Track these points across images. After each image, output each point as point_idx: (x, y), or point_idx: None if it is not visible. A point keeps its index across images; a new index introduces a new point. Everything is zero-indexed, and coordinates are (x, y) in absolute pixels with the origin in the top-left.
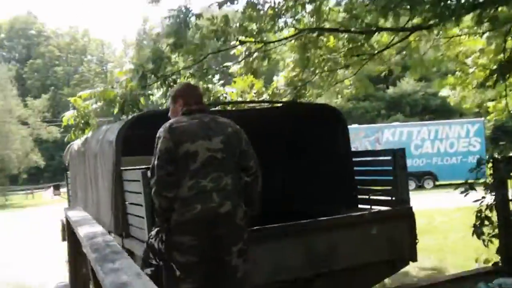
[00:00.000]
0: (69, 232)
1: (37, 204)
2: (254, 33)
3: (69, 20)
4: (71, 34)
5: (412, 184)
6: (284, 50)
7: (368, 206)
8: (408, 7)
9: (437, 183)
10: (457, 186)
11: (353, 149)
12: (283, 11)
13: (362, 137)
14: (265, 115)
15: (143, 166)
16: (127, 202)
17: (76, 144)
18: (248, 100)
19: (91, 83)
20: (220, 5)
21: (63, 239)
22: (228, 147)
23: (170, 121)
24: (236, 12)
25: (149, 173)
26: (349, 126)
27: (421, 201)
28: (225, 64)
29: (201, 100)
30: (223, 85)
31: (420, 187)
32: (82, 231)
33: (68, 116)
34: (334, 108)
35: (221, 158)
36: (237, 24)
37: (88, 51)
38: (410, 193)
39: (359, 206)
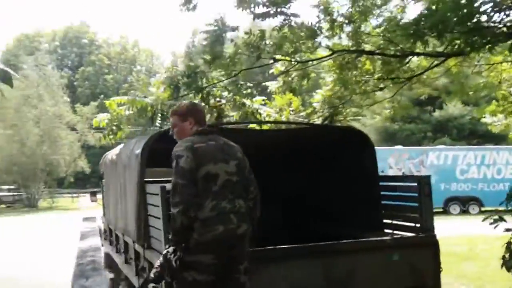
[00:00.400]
0: None
1: (80, 208)
2: (290, 51)
3: (120, 30)
4: (121, 43)
5: (456, 209)
6: (323, 69)
7: (393, 231)
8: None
9: (482, 209)
10: (487, 216)
11: (396, 171)
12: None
13: (405, 159)
14: (292, 136)
15: (164, 179)
16: (149, 214)
17: (111, 153)
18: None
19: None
20: (255, 17)
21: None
22: (240, 171)
23: (188, 140)
24: (272, 31)
25: (170, 190)
26: (393, 147)
27: (464, 227)
28: (265, 83)
29: (205, 121)
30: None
31: (464, 212)
32: (81, 244)
33: (100, 118)
34: (361, 131)
35: (235, 181)
36: (272, 42)
37: (138, 61)
38: (454, 217)
39: (385, 230)
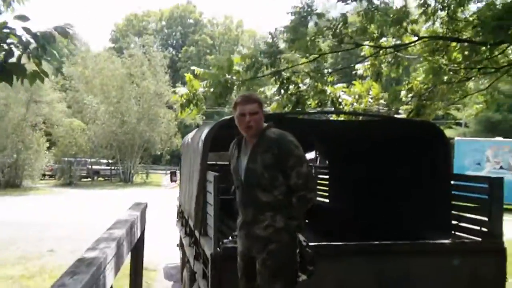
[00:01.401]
0: None
1: (169, 185)
2: (375, 36)
3: (226, 10)
4: (226, 24)
5: None
6: (410, 55)
7: (461, 234)
8: None
9: None
10: None
11: (494, 164)
12: (408, 16)
13: (506, 152)
14: (362, 127)
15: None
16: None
17: (188, 136)
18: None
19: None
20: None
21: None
22: None
23: (287, 133)
24: (357, 15)
25: (305, 176)
26: (492, 139)
27: None
28: (352, 66)
29: None
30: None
31: None
32: (104, 234)
33: (179, 93)
34: (436, 126)
35: None
36: (355, 27)
37: (240, 41)
38: None
39: (453, 232)
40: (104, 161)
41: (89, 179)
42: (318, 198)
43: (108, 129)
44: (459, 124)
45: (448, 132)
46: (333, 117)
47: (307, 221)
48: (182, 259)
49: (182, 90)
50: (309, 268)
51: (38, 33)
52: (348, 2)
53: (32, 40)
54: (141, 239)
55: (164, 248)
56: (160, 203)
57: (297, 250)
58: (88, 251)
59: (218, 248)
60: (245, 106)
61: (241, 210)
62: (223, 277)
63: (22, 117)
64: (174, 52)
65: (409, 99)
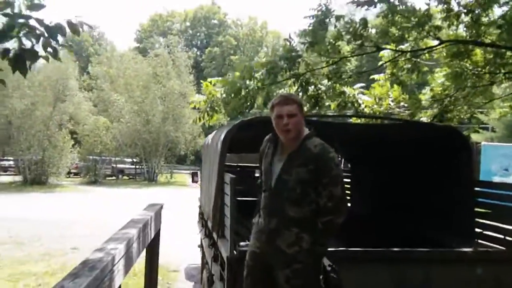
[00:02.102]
0: None
1: (192, 185)
2: (395, 39)
3: (250, 11)
4: (250, 25)
5: None
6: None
7: (485, 243)
8: None
9: None
10: None
11: None
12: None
13: None
14: (383, 131)
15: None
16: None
17: (209, 137)
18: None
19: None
20: (358, 4)
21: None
22: None
23: (329, 148)
24: (377, 17)
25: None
26: None
27: None
28: (372, 76)
29: None
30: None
31: None
32: (115, 235)
33: (196, 100)
34: (458, 131)
35: None
36: (376, 30)
37: (265, 43)
38: None
39: (477, 240)
40: (129, 160)
41: (113, 177)
42: None
43: (132, 128)
44: (486, 129)
45: (474, 137)
46: (353, 120)
47: None
48: (202, 260)
49: (200, 97)
50: None
51: (50, 24)
52: (369, 8)
53: (43, 30)
54: (156, 239)
55: (186, 248)
56: (184, 203)
57: (321, 276)
58: (95, 252)
59: (234, 251)
60: (283, 108)
61: (264, 215)
62: (238, 280)
63: (48, 116)
64: (198, 53)
65: (431, 104)
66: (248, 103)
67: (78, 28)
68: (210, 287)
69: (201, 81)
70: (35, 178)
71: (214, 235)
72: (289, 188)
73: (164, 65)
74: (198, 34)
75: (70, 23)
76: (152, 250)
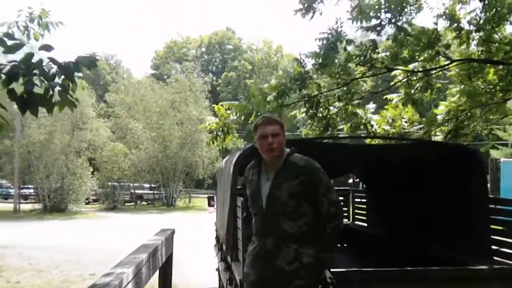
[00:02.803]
0: None
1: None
2: (407, 60)
3: (265, 35)
4: (265, 49)
5: None
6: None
7: (502, 260)
8: None
9: None
10: None
11: None
12: (440, 39)
13: None
14: (397, 151)
15: None
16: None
17: (223, 161)
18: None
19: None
20: (368, 29)
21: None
22: None
23: (313, 160)
24: (386, 40)
25: (335, 204)
26: None
27: None
28: (386, 96)
29: None
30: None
31: None
32: (125, 259)
33: (209, 121)
34: (470, 149)
35: None
36: (385, 53)
37: (280, 66)
38: None
39: (494, 258)
40: (147, 185)
41: (132, 203)
42: (357, 222)
43: (150, 153)
44: (505, 145)
45: (493, 153)
46: (368, 141)
47: (345, 245)
48: (219, 283)
49: (212, 119)
50: None
51: (63, 63)
52: (379, 34)
53: (55, 69)
54: (168, 263)
55: (205, 272)
56: (202, 227)
57: (320, 286)
58: (103, 277)
59: None
60: (266, 127)
61: (258, 239)
62: None
63: (66, 144)
64: (214, 78)
65: (446, 120)
66: None
67: (90, 63)
68: None
69: (213, 105)
70: (54, 206)
71: (228, 259)
72: (282, 204)
73: (182, 91)
74: (213, 59)
75: (81, 59)
76: (165, 273)
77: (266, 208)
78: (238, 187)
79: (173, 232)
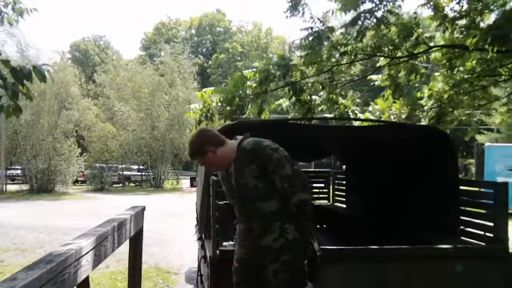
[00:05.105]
0: None
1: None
2: (389, 50)
3: (255, 17)
4: (255, 32)
5: None
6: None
7: (468, 239)
8: None
9: None
10: None
11: None
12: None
13: None
14: (372, 133)
15: None
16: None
17: None
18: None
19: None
20: (352, 24)
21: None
22: None
23: (261, 139)
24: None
25: (288, 178)
26: None
27: None
28: (370, 77)
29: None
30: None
31: None
32: (88, 231)
33: (192, 109)
34: (442, 131)
35: None
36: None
37: (270, 48)
38: None
39: (462, 238)
40: (135, 167)
41: (120, 184)
42: (337, 204)
43: (138, 135)
44: (491, 130)
45: (478, 138)
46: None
47: (325, 226)
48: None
49: (193, 106)
50: (316, 276)
51: (18, 67)
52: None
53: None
54: (137, 239)
55: (188, 252)
56: (188, 208)
57: (306, 261)
58: (60, 247)
59: (217, 251)
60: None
61: (245, 223)
62: (221, 279)
63: (53, 125)
64: (204, 60)
65: (430, 106)
66: (241, 112)
67: (43, 74)
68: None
69: (204, 88)
70: (41, 187)
71: (202, 236)
72: (252, 189)
73: (170, 73)
74: (203, 41)
75: (36, 67)
76: (135, 249)
77: (240, 197)
78: None
79: (143, 208)
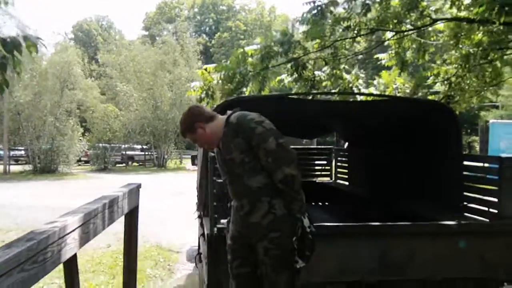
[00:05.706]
0: None
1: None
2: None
3: None
4: (258, 10)
5: None
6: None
7: (472, 216)
8: None
9: None
10: None
11: None
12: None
13: None
14: (375, 108)
15: None
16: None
17: None
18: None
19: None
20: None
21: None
22: None
23: (246, 112)
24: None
25: (274, 151)
26: None
27: None
28: (376, 56)
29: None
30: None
31: None
32: (76, 209)
33: (193, 87)
34: (446, 106)
35: None
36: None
37: (273, 26)
38: None
39: (465, 214)
40: (138, 146)
41: (123, 164)
42: (339, 181)
43: (141, 115)
44: (496, 107)
45: (483, 115)
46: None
47: (327, 203)
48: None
49: (194, 84)
50: (307, 254)
51: (8, 39)
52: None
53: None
54: (132, 217)
55: (190, 231)
56: (192, 187)
57: (294, 238)
58: (44, 225)
59: (214, 228)
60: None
61: (236, 200)
62: (219, 256)
63: (56, 104)
64: (207, 39)
65: (436, 84)
66: (243, 88)
67: (35, 42)
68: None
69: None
70: (44, 167)
71: (201, 214)
72: (239, 163)
73: (172, 52)
74: (206, 20)
75: (27, 37)
76: (130, 226)
77: (228, 173)
78: None
79: (138, 185)
